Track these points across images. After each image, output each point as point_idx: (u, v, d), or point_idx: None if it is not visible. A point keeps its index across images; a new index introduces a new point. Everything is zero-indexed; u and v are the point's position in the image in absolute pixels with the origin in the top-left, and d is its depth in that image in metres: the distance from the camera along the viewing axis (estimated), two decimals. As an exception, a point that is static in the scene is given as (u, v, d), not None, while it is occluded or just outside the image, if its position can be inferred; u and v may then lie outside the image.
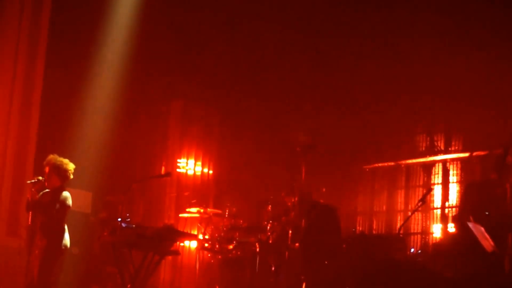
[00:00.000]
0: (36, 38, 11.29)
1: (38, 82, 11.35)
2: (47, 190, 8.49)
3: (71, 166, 8.59)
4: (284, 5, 12.60)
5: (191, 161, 13.78)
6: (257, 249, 9.89)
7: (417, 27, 11.75)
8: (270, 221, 10.26)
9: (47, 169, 8.54)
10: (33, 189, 8.36)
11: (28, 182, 8.59)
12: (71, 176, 8.60)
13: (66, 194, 8.44)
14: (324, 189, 10.31)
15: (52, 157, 8.59)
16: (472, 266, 7.82)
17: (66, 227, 8.45)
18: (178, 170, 13.55)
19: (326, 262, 9.31)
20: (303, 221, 9.80)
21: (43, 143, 11.13)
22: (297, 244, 9.84)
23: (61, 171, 8.51)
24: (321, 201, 10.05)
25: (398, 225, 12.06)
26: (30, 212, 8.36)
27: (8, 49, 11.12)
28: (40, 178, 8.46)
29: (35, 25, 11.28)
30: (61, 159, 8.58)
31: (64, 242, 8.39)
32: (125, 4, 12.26)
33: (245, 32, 12.94)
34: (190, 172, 13.73)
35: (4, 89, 11.06)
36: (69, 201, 8.43)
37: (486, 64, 10.90)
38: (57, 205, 8.33)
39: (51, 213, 8.30)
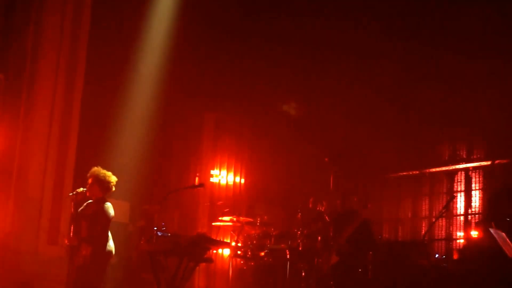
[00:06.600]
0: (76, 54, 11.41)
1: (77, 97, 11.47)
2: (90, 201, 8.65)
3: (113, 179, 8.70)
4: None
5: (224, 172, 13.93)
6: (288, 256, 10.03)
7: (439, 40, 11.86)
8: (300, 229, 10.34)
9: (90, 181, 8.62)
10: (77, 200, 8.51)
11: (70, 194, 8.76)
12: (113, 189, 8.73)
13: (108, 204, 8.52)
14: (369, 205, 9.74)
15: (96, 169, 8.69)
16: (495, 271, 8.00)
17: (110, 235, 8.57)
18: (211, 180, 13.69)
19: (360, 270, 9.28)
20: (330, 229, 9.99)
21: (82, 154, 11.27)
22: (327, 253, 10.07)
23: (104, 183, 8.62)
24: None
25: (423, 232, 12.17)
26: (73, 223, 8.51)
27: (49, 64, 11.25)
28: (81, 189, 8.62)
29: (74, 43, 11.42)
30: (104, 171, 8.69)
31: (109, 248, 8.49)
32: (160, 20, 12.52)
33: (275, 45, 13.08)
34: (223, 182, 13.88)
35: (44, 103, 11.19)
36: (112, 211, 8.52)
37: (509, 73, 10.97)
38: (100, 215, 8.44)
39: (95, 223, 8.41)
